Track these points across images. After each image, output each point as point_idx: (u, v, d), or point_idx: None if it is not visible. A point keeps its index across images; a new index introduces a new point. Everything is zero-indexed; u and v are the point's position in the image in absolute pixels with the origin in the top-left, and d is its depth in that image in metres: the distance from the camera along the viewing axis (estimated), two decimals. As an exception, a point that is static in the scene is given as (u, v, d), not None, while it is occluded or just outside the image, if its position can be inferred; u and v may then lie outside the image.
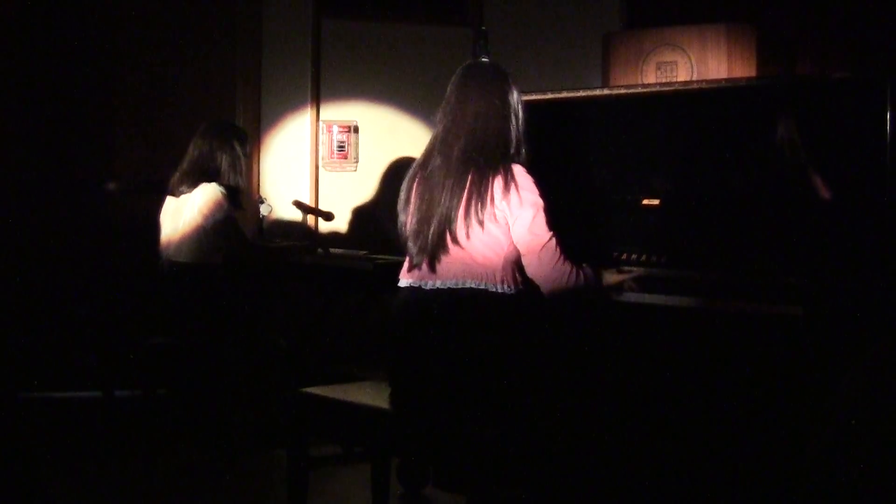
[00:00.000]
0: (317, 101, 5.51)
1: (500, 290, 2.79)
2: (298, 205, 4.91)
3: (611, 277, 3.13)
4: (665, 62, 4.58)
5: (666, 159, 3.39)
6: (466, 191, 2.78)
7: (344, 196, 5.53)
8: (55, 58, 5.26)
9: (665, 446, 3.14)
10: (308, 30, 5.49)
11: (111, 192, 5.25)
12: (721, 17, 4.66)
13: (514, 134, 2.88)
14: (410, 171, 2.94)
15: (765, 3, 4.89)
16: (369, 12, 5.61)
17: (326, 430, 3.10)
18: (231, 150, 4.29)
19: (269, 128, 5.45)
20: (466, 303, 2.78)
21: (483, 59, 3.12)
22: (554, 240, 2.83)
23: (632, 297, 3.14)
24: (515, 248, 2.82)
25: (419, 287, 2.85)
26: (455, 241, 2.79)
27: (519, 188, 2.78)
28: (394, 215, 2.97)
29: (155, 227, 4.34)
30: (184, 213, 4.20)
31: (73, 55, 5.28)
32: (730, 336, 2.99)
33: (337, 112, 5.55)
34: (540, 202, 2.81)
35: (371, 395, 2.96)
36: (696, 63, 4.50)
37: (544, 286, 2.85)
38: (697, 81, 4.07)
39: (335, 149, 5.54)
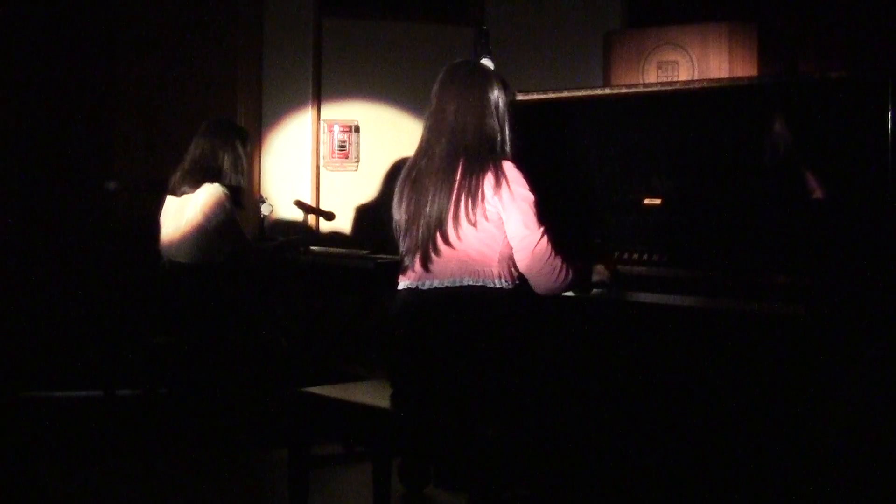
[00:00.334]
0: (318, 101, 5.51)
1: (497, 286, 2.80)
2: (299, 204, 4.90)
3: (596, 276, 3.16)
4: (666, 61, 4.58)
5: (667, 159, 3.38)
6: (455, 190, 2.80)
7: (345, 195, 5.53)
8: (55, 57, 5.25)
9: (667, 445, 3.14)
10: (309, 29, 5.48)
11: (112, 191, 5.25)
12: (722, 16, 4.66)
13: (496, 130, 2.90)
14: (401, 174, 2.98)
15: (766, 2, 4.89)
16: (370, 11, 5.61)
17: (328, 429, 3.10)
18: (233, 150, 4.29)
19: (270, 127, 5.45)
20: (465, 300, 2.79)
21: (471, 60, 3.13)
22: (546, 235, 2.85)
23: (633, 296, 3.14)
24: (509, 242, 2.84)
25: (416, 288, 2.86)
26: (447, 241, 2.80)
27: (510, 183, 2.80)
28: (391, 218, 2.98)
29: (155, 227, 4.33)
30: (185, 212, 4.19)
31: (73, 54, 5.28)
32: (731, 335, 2.98)
33: (338, 111, 5.55)
34: (531, 196, 2.83)
35: (372, 395, 2.96)
36: (698, 62, 4.50)
37: (535, 280, 2.87)
38: (698, 81, 4.07)
39: (336, 148, 5.54)
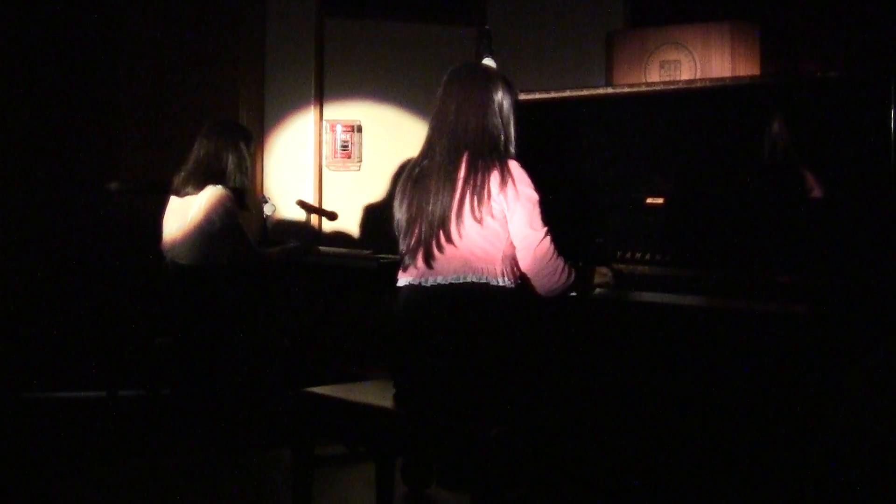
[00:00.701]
0: (320, 101, 5.51)
1: (500, 284, 2.80)
2: (302, 204, 4.90)
3: (598, 277, 3.16)
4: (668, 61, 4.58)
5: (670, 158, 3.38)
6: (460, 187, 2.80)
7: (347, 195, 5.53)
8: (58, 58, 5.26)
9: (669, 444, 3.14)
10: (311, 29, 5.49)
11: (114, 192, 5.25)
12: (724, 15, 4.66)
13: (498, 129, 2.90)
14: (404, 173, 2.98)
15: (768, 2, 4.88)
16: (372, 12, 5.61)
17: (330, 429, 3.09)
18: (237, 151, 4.28)
19: (273, 127, 5.45)
20: (468, 297, 2.79)
21: (474, 62, 3.14)
22: (549, 235, 2.86)
23: (635, 295, 3.14)
24: (512, 241, 2.84)
25: (419, 285, 2.86)
26: (449, 239, 2.80)
27: (515, 182, 2.80)
28: (391, 217, 2.99)
29: (158, 227, 4.33)
30: (188, 214, 4.19)
31: (75, 55, 5.28)
32: (734, 335, 2.98)
33: (340, 111, 5.55)
34: (535, 196, 2.84)
35: (375, 395, 2.96)
36: (700, 62, 4.50)
37: (536, 280, 2.88)
38: (701, 80, 4.07)
39: (339, 148, 5.54)
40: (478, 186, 2.79)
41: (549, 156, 3.57)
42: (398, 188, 2.97)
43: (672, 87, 3.49)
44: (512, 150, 2.93)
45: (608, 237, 3.42)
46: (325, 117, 5.53)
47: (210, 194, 4.16)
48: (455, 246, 2.81)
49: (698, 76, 4.45)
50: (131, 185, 5.26)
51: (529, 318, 2.88)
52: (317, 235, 5.37)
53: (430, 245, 2.83)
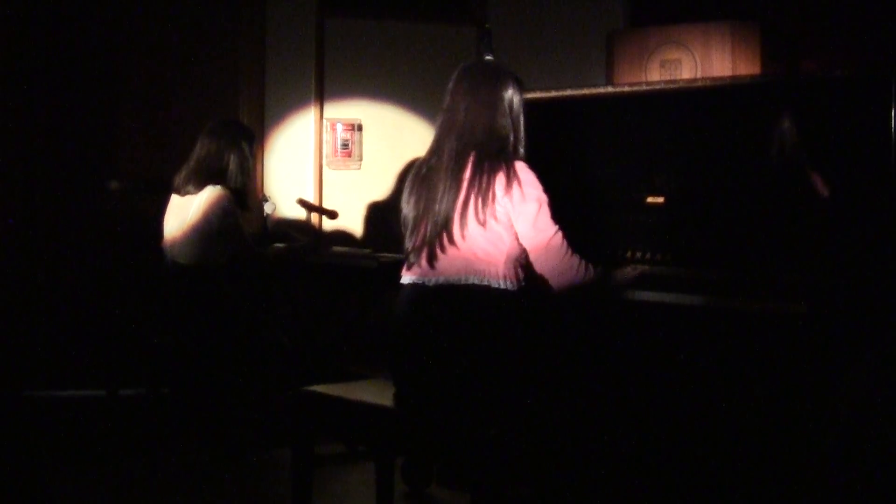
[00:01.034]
0: (320, 100, 5.51)
1: (502, 287, 2.79)
2: (302, 203, 4.90)
3: (622, 275, 3.14)
4: (669, 60, 4.57)
5: (670, 157, 3.38)
6: (465, 189, 2.79)
7: (348, 194, 5.53)
8: (58, 56, 5.26)
9: (669, 443, 3.14)
10: (311, 28, 5.48)
11: (114, 190, 5.25)
12: (725, 14, 4.65)
13: (508, 129, 2.89)
14: (412, 171, 2.97)
15: (769, 1, 4.88)
16: (373, 11, 5.60)
17: (330, 428, 3.09)
18: (239, 151, 4.28)
19: (273, 126, 5.45)
20: (469, 299, 2.79)
21: (487, 58, 3.12)
22: (560, 234, 2.85)
23: (636, 294, 3.14)
24: (518, 244, 2.83)
25: (422, 284, 2.86)
26: (451, 239, 2.79)
27: (521, 184, 2.79)
28: (398, 213, 2.98)
29: (159, 226, 4.33)
30: (189, 214, 4.19)
31: (76, 53, 5.28)
32: (734, 333, 2.98)
33: (341, 110, 5.55)
34: (544, 197, 2.83)
35: (375, 394, 2.96)
36: (701, 61, 4.49)
37: (553, 281, 2.87)
38: (701, 79, 4.06)
39: (339, 147, 5.53)
40: (482, 188, 2.78)
41: (549, 155, 3.57)
42: (407, 185, 2.96)
43: (672, 86, 3.49)
44: (521, 149, 2.91)
45: (609, 236, 3.42)
46: (325, 116, 5.52)
47: (209, 194, 4.16)
48: (457, 247, 2.80)
49: (699, 75, 4.45)
50: (131, 184, 5.26)
51: (529, 318, 2.87)
52: (317, 234, 5.37)
53: (434, 245, 2.82)
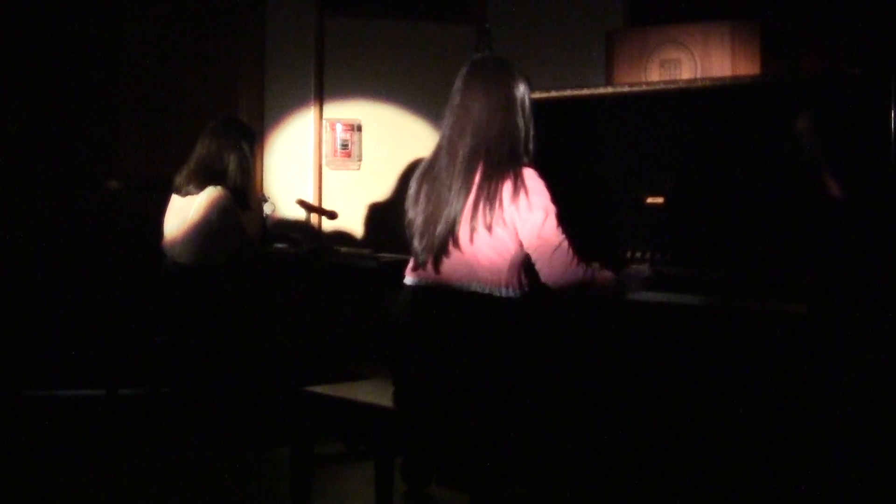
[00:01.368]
0: (320, 100, 5.51)
1: (504, 295, 2.77)
2: (302, 203, 4.90)
3: (636, 280, 3.11)
4: (669, 60, 4.57)
5: (670, 157, 3.38)
6: (473, 194, 2.76)
7: (347, 194, 5.53)
8: (58, 56, 5.26)
9: (669, 444, 3.14)
10: (311, 28, 5.48)
11: (114, 190, 5.25)
12: (725, 14, 4.65)
13: (520, 129, 2.85)
14: (419, 169, 2.93)
15: (769, 1, 4.88)
16: (372, 10, 5.60)
17: (330, 428, 3.10)
18: (239, 151, 4.28)
19: (273, 126, 5.45)
20: (470, 306, 2.77)
21: (487, 53, 3.10)
22: (566, 243, 2.79)
23: (636, 295, 3.13)
24: (522, 251, 2.80)
25: (425, 286, 2.85)
26: (456, 244, 2.77)
27: (528, 193, 2.75)
28: (398, 213, 2.96)
29: (159, 226, 4.33)
30: (189, 214, 4.19)
31: (76, 53, 5.28)
32: (734, 334, 2.98)
33: (340, 110, 5.55)
34: (551, 207, 2.77)
35: (375, 394, 2.96)
36: (700, 61, 4.49)
37: (558, 289, 2.82)
38: (701, 79, 4.06)
39: (339, 147, 5.53)
40: (490, 194, 2.75)
41: (549, 155, 3.57)
42: (413, 184, 2.92)
43: (672, 86, 3.48)
44: (531, 147, 2.87)
45: (609, 236, 3.42)
46: (325, 116, 5.52)
47: (209, 194, 4.17)
48: (462, 251, 2.77)
49: (699, 75, 4.44)
50: (131, 184, 5.26)
51: (530, 321, 2.86)
52: (317, 234, 5.37)
53: (442, 248, 2.79)
